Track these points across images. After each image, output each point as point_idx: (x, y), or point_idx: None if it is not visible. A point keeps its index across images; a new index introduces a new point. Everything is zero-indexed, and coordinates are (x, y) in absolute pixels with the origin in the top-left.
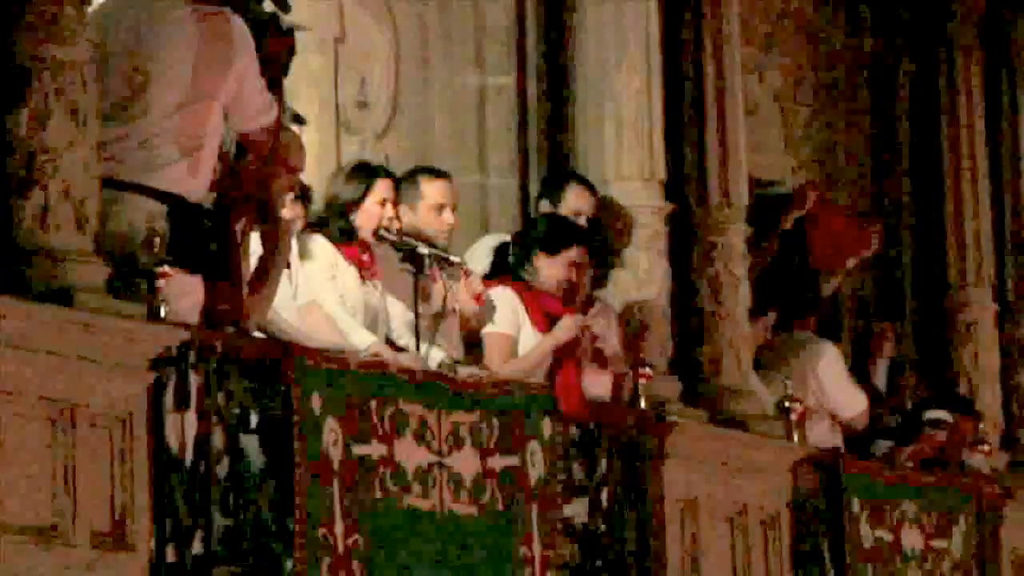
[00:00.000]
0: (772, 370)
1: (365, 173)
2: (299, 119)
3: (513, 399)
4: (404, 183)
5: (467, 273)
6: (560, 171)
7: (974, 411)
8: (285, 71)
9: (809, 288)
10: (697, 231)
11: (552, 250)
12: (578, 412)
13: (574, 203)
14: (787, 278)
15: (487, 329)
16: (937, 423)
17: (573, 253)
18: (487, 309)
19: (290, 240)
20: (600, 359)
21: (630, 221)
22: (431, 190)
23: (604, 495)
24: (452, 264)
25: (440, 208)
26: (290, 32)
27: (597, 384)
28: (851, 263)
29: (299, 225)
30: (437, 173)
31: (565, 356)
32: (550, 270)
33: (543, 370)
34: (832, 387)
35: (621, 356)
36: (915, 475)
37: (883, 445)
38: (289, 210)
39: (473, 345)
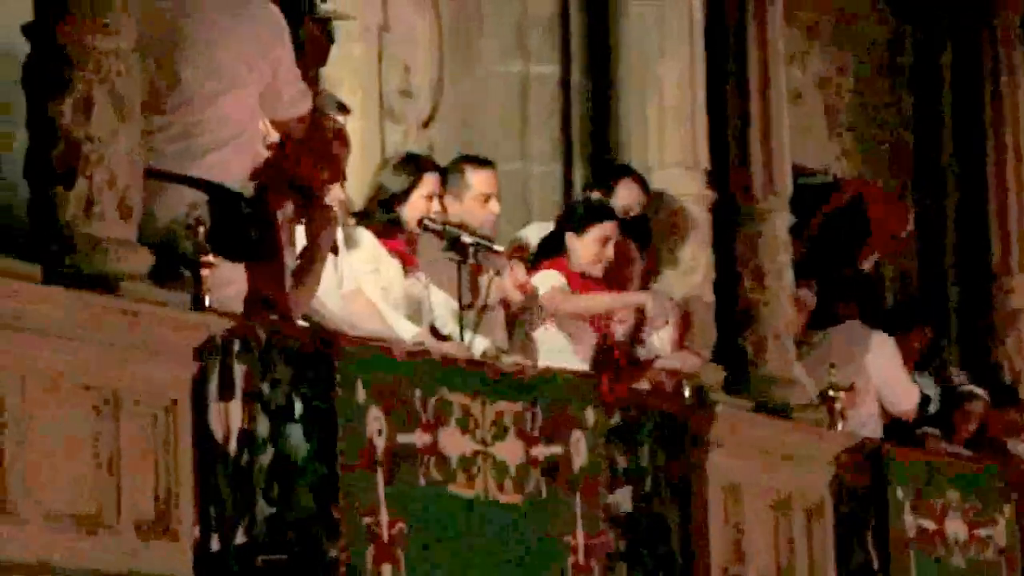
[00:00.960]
0: (819, 358)
1: (413, 166)
2: (343, 107)
3: (557, 387)
4: (449, 172)
5: (512, 261)
6: (610, 163)
7: (1018, 399)
8: (324, 60)
9: (847, 266)
10: (740, 219)
11: (579, 229)
12: (622, 401)
13: (626, 198)
14: (825, 259)
15: (543, 292)
16: (972, 395)
17: (600, 230)
18: (535, 312)
19: (335, 225)
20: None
21: (677, 211)
22: (477, 180)
23: (648, 483)
24: (496, 252)
25: (486, 198)
26: (328, 21)
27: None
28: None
29: (343, 210)
30: (482, 162)
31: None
32: (582, 250)
33: (587, 360)
34: (886, 379)
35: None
36: (959, 463)
37: (928, 431)
38: (333, 197)
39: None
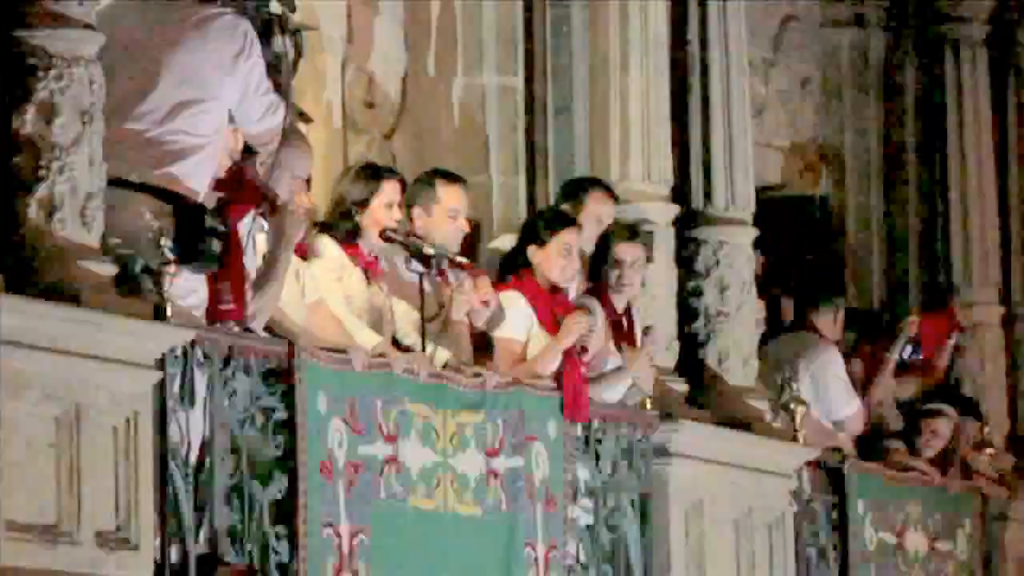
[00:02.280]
0: (772, 368)
1: (373, 174)
2: (305, 117)
3: (518, 400)
4: (420, 185)
5: (474, 275)
6: (579, 177)
7: (979, 413)
8: (293, 72)
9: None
10: (703, 233)
11: (541, 241)
12: (584, 414)
13: (595, 209)
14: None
15: (497, 334)
16: (938, 412)
17: (565, 236)
18: (496, 313)
19: (300, 230)
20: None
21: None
22: (447, 195)
23: (609, 496)
24: (460, 265)
25: (455, 214)
26: (297, 33)
27: (613, 391)
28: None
29: (308, 217)
30: (454, 178)
31: (572, 357)
32: (546, 262)
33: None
34: (828, 387)
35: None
36: (919, 477)
37: (893, 445)
38: (299, 202)
39: (480, 348)
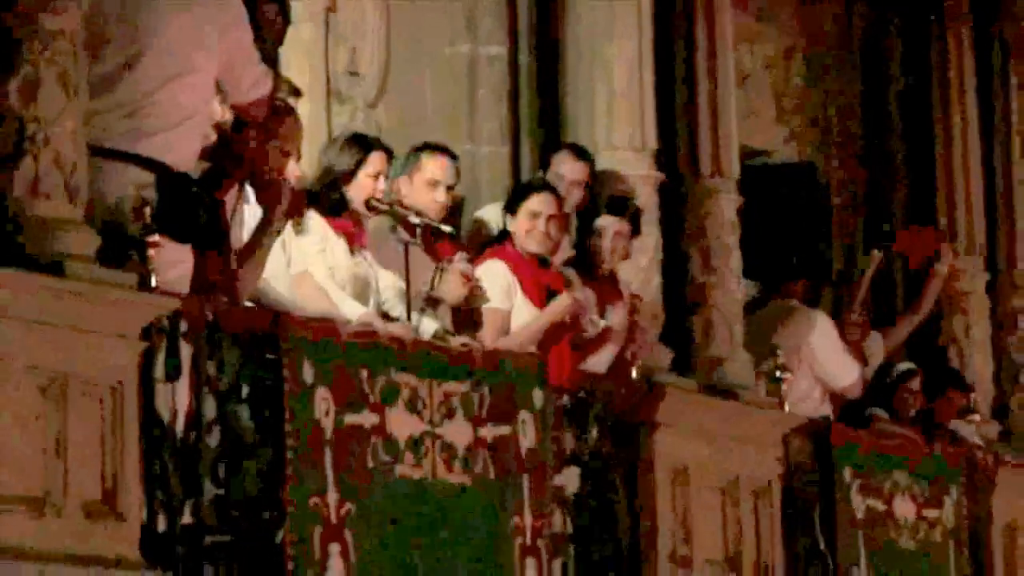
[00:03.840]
0: (761, 339)
1: (359, 145)
2: (296, 91)
3: (504, 369)
4: (407, 155)
5: (458, 253)
6: (553, 141)
7: (963, 383)
8: (280, 41)
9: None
10: (688, 201)
11: (511, 209)
12: (570, 381)
13: (557, 168)
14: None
15: (489, 304)
16: (911, 373)
17: (530, 203)
18: (479, 289)
19: (288, 201)
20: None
21: (625, 191)
22: (430, 164)
23: (595, 465)
24: (443, 233)
25: (434, 184)
26: (284, 2)
27: (598, 361)
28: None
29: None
30: (440, 149)
31: (560, 331)
32: (518, 228)
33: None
34: (826, 357)
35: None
36: (906, 444)
37: (876, 412)
38: (289, 172)
39: (465, 320)
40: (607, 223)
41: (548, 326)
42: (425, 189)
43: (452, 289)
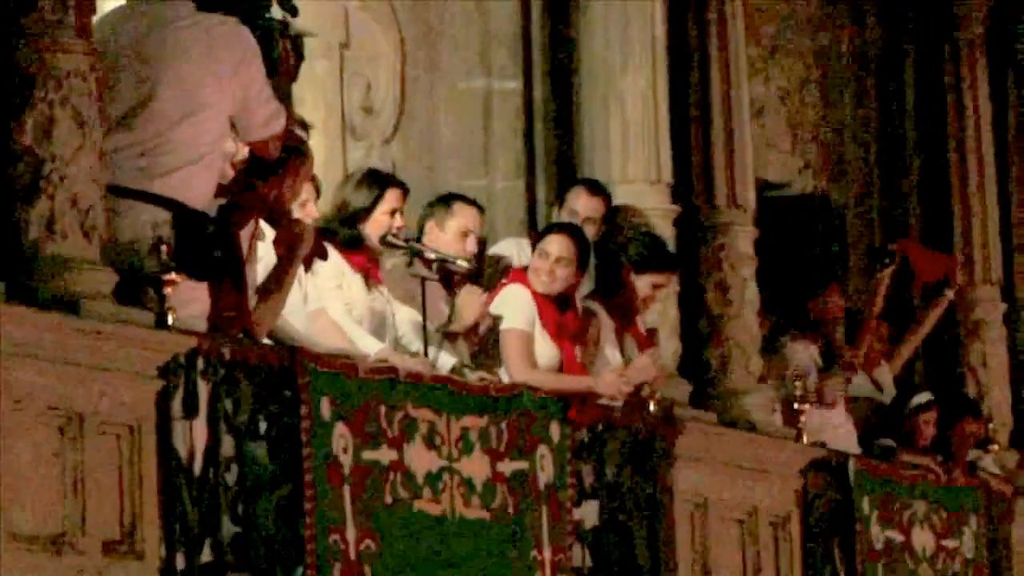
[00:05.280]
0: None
1: (376, 182)
2: (304, 125)
3: (522, 403)
4: (437, 203)
5: (467, 285)
6: (568, 175)
7: (981, 413)
8: (294, 77)
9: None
10: (704, 233)
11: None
12: (588, 418)
13: (572, 204)
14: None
15: (504, 326)
16: (929, 405)
17: (544, 243)
18: (499, 310)
19: (308, 241)
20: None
21: (639, 225)
22: (462, 215)
23: (614, 498)
24: (460, 269)
25: (467, 234)
26: (298, 38)
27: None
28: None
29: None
30: (471, 201)
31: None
32: (531, 265)
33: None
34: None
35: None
36: (924, 475)
37: (884, 443)
38: (307, 214)
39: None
40: (663, 280)
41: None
42: (457, 238)
43: (467, 309)
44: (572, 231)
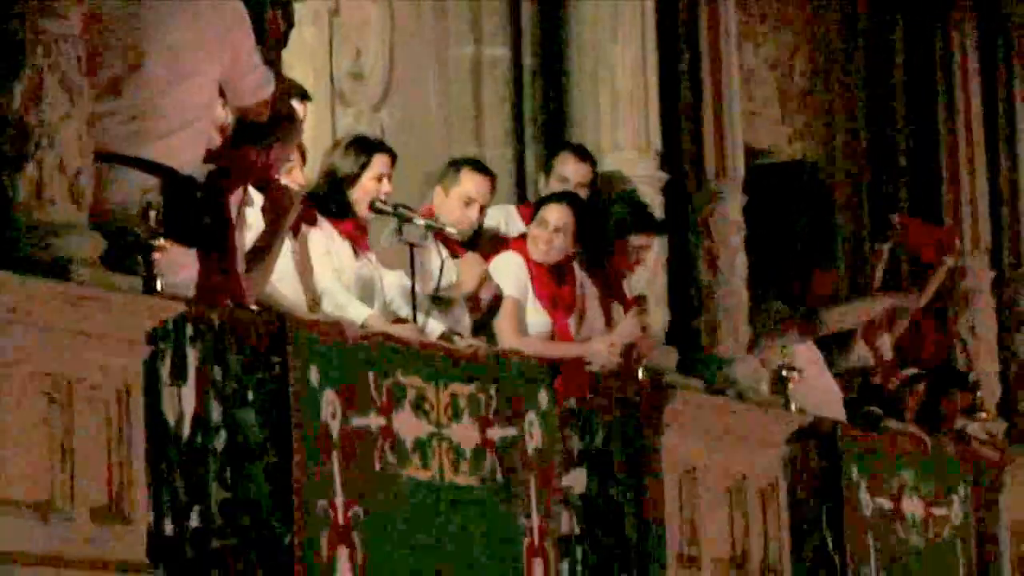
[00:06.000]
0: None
1: (363, 148)
2: (305, 95)
3: (510, 370)
4: (449, 167)
5: (468, 254)
6: (558, 142)
7: (969, 383)
8: (283, 43)
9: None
10: (693, 201)
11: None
12: (577, 390)
13: (559, 169)
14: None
15: (508, 293)
16: (915, 378)
17: (543, 212)
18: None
19: (296, 207)
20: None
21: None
22: (469, 181)
23: (602, 465)
24: (449, 236)
25: (469, 202)
26: (288, 5)
27: (598, 354)
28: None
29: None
30: (482, 169)
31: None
32: (530, 234)
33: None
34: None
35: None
36: (912, 443)
37: (872, 412)
38: (295, 179)
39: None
40: (645, 242)
41: (571, 356)
42: (459, 204)
43: (468, 276)
44: (571, 200)
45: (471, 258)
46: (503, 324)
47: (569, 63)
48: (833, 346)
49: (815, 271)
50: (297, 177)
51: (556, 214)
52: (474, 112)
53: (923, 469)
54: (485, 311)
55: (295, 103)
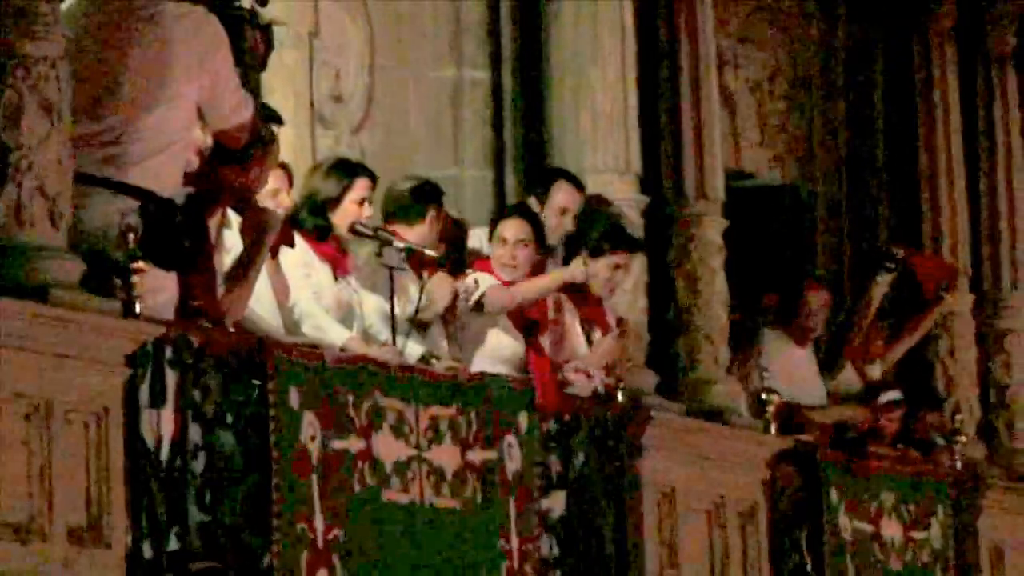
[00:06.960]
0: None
1: (345, 171)
2: (278, 119)
3: (490, 392)
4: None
5: (440, 269)
6: (545, 167)
7: (940, 404)
8: (263, 66)
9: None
10: (673, 224)
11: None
12: (555, 405)
13: (561, 201)
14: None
15: (479, 292)
16: (897, 402)
17: (500, 229)
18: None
19: (276, 230)
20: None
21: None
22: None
23: (582, 488)
24: (428, 258)
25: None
26: (267, 28)
27: (580, 386)
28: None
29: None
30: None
31: (541, 351)
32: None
33: (519, 366)
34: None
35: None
36: (891, 466)
37: (852, 436)
38: (279, 202)
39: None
40: (622, 260)
41: (559, 286)
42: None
43: (438, 296)
44: (523, 212)
45: (440, 277)
46: (496, 303)
47: (549, 86)
48: (824, 371)
49: (808, 281)
50: (283, 200)
51: (512, 229)
52: (454, 134)
53: (902, 492)
54: (472, 309)
55: (272, 126)
